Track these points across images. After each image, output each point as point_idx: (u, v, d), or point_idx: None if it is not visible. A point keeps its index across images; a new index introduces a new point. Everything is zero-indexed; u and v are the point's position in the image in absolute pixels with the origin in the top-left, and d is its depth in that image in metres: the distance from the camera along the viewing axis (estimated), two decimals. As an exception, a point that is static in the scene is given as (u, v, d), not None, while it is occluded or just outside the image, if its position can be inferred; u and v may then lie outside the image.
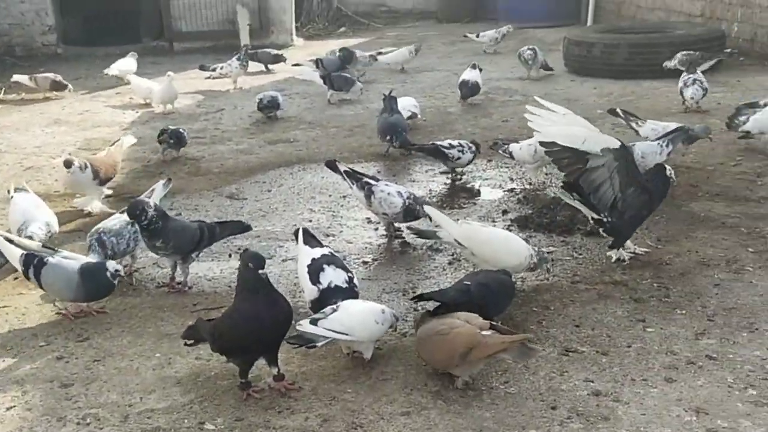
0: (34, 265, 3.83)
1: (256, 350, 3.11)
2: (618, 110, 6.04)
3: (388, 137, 6.19)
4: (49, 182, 6.04)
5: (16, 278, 4.36)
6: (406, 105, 6.92)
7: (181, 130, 6.48)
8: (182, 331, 3.39)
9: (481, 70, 8.05)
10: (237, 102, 8.64)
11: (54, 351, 3.59)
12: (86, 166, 5.18)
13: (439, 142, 5.78)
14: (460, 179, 5.78)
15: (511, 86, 8.78)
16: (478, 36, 10.94)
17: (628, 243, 4.26)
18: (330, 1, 15.31)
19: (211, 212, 5.29)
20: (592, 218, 4.22)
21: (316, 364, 3.38)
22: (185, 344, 3.36)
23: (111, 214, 4.99)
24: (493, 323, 3.13)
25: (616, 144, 3.95)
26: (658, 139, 5.25)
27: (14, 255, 3.90)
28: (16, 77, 9.18)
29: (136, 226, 4.10)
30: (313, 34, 13.90)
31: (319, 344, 3.18)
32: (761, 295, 3.77)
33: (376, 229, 4.89)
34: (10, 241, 3.99)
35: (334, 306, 3.30)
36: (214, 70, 9.70)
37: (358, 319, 3.22)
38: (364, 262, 4.43)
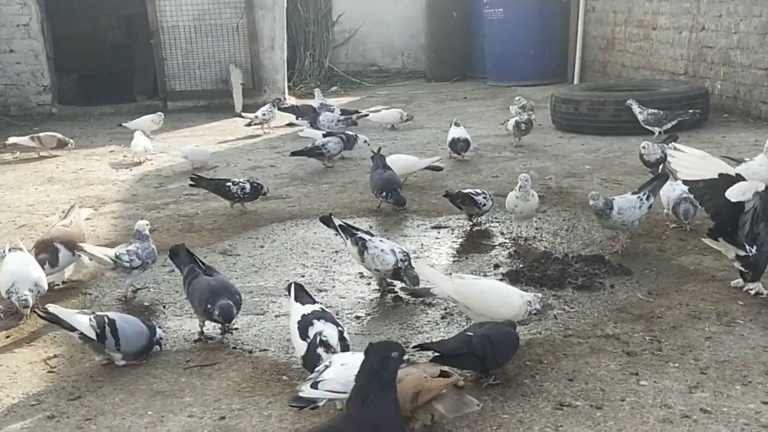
0: (108, 324, 3.81)
1: None
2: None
3: (383, 193, 6.26)
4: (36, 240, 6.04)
5: (7, 336, 4.35)
6: (407, 162, 7.02)
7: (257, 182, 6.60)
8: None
9: (458, 125, 8.18)
10: (230, 159, 8.73)
11: (45, 410, 3.55)
12: (57, 249, 4.89)
13: (466, 190, 5.86)
14: (480, 225, 5.88)
15: (500, 143, 8.91)
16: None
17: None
18: (321, 60, 15.59)
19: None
20: (737, 255, 4.34)
21: (310, 420, 3.36)
22: None
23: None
24: (444, 369, 3.20)
25: (761, 187, 4.22)
26: (637, 192, 5.20)
27: (81, 321, 3.83)
28: (12, 139, 9.18)
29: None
30: (305, 92, 14.11)
31: (320, 404, 3.17)
32: (753, 347, 3.79)
33: (369, 283, 4.91)
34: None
35: (327, 362, 3.30)
36: (256, 117, 10.13)
37: (351, 375, 3.22)
38: (357, 317, 4.44)
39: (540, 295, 3.92)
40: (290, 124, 10.01)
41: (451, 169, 7.73)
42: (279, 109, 10.39)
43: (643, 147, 6.62)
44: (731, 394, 3.39)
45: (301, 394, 3.15)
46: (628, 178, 6.77)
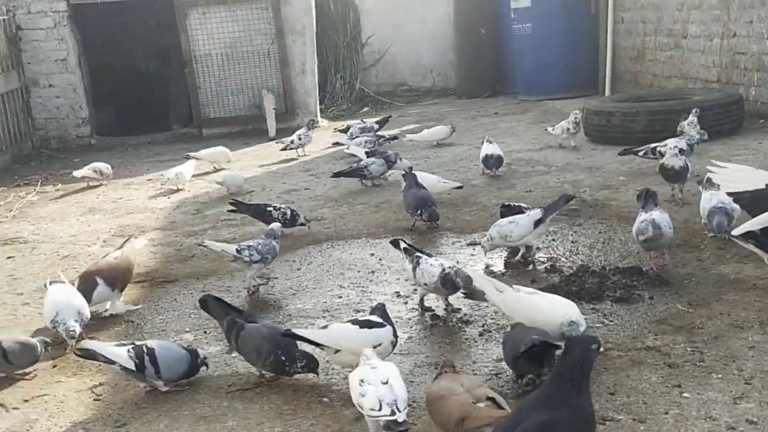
0: (146, 354, 3.90)
1: None
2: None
3: (418, 211, 6.31)
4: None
5: (54, 366, 4.45)
6: (427, 181, 7.03)
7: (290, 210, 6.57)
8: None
9: (491, 142, 8.20)
10: (265, 183, 8.83)
11: (92, 437, 3.63)
12: (96, 283, 4.97)
13: (517, 204, 5.95)
14: None
15: (533, 157, 8.89)
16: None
17: None
18: (352, 82, 15.71)
19: (243, 294, 5.37)
20: None
21: (347, 428, 3.39)
22: None
23: (133, 311, 5.18)
24: (491, 395, 3.15)
25: None
26: (644, 207, 5.08)
27: (119, 353, 3.92)
28: (77, 173, 9.41)
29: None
30: (337, 114, 14.24)
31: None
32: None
33: (406, 303, 4.93)
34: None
35: (363, 385, 3.30)
36: (292, 142, 10.21)
37: (400, 385, 3.31)
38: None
39: (580, 323, 3.82)
40: (336, 144, 10.12)
41: (484, 186, 7.73)
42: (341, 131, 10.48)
43: (672, 148, 6.45)
44: (777, 404, 3.34)
45: (399, 419, 3.13)
46: (663, 187, 6.69)
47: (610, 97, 11.77)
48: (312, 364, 3.90)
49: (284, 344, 3.90)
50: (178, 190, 8.79)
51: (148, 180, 9.68)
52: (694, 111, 8.10)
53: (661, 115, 8.79)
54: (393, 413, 3.12)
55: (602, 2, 13.12)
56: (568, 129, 9.07)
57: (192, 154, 9.77)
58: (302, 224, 6.53)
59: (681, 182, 6.46)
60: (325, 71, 15.14)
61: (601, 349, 2.91)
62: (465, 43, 15.20)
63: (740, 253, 5.16)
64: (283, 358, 3.87)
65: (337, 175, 8.08)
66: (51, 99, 12.71)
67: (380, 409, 3.14)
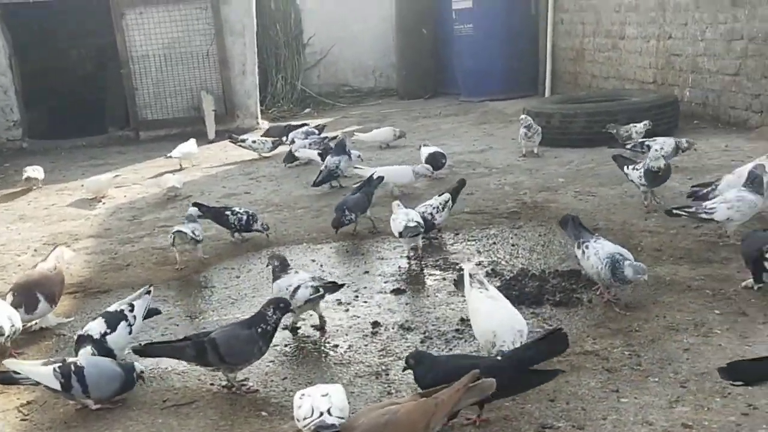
0: (74, 372, 3.72)
1: None
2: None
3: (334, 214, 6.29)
4: (15, 280, 5.93)
5: (-22, 384, 4.25)
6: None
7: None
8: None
9: (427, 145, 8.35)
10: (204, 188, 8.66)
11: (18, 459, 3.48)
12: (37, 303, 4.74)
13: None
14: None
15: (474, 159, 8.92)
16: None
17: None
18: (293, 83, 15.58)
19: (182, 302, 5.24)
20: None
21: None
22: None
23: (64, 323, 4.98)
24: (420, 391, 3.18)
25: None
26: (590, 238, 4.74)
27: (44, 373, 3.73)
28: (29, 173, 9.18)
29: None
30: (278, 116, 14.09)
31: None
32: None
33: (347, 310, 4.87)
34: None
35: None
36: (244, 141, 10.18)
37: (342, 399, 3.29)
38: (335, 346, 4.39)
39: (507, 346, 3.64)
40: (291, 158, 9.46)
41: (426, 188, 7.71)
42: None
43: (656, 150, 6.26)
44: (712, 407, 3.38)
45: (327, 420, 3.16)
46: (602, 189, 6.80)
47: (549, 98, 11.91)
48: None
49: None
50: (99, 198, 8.49)
51: (82, 185, 9.39)
52: (646, 122, 8.14)
53: (599, 117, 8.91)
54: (321, 414, 3.15)
55: (542, 3, 13.29)
56: (526, 134, 8.65)
57: (170, 154, 9.74)
58: (258, 231, 6.39)
59: (661, 184, 6.18)
60: (266, 72, 14.97)
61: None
62: (407, 43, 15.22)
63: (675, 254, 5.26)
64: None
65: (317, 184, 7.90)
66: (-20, 101, 12.26)
67: (311, 415, 3.17)
